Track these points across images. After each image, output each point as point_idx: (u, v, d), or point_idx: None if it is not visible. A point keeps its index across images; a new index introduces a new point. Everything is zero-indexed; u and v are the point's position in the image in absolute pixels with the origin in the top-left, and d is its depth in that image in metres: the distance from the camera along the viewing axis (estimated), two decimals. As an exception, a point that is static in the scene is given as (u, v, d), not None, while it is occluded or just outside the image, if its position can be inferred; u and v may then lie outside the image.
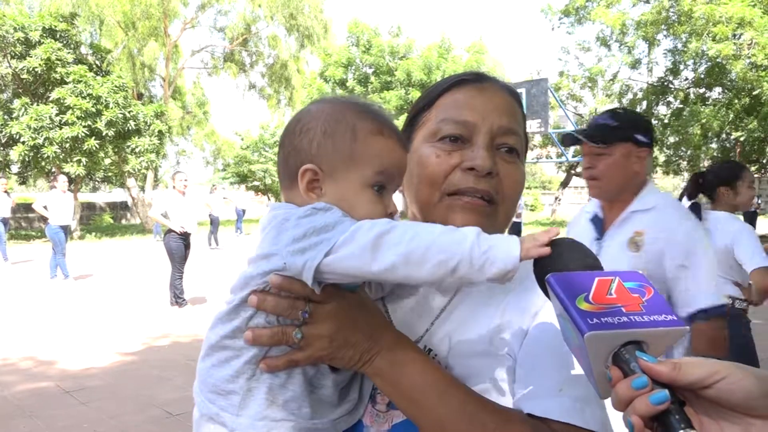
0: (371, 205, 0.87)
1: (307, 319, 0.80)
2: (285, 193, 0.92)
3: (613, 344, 0.62)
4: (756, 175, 27.60)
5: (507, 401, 0.84)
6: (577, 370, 0.78)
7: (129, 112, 19.67)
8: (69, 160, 18.64)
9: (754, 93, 16.80)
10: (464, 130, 0.93)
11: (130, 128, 19.81)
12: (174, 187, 8.58)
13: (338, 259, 0.75)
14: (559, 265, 0.70)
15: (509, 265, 0.70)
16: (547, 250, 0.70)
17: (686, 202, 3.79)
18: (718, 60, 17.43)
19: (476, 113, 0.93)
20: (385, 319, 0.87)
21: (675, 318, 0.63)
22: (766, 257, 3.29)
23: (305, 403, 0.83)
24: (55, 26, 19.38)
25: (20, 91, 19.60)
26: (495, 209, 0.92)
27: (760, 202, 24.16)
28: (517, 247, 0.70)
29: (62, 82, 18.82)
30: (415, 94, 25.29)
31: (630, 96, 22.68)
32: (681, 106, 21.00)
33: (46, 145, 17.99)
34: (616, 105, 23.56)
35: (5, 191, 14.94)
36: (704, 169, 3.84)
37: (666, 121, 21.56)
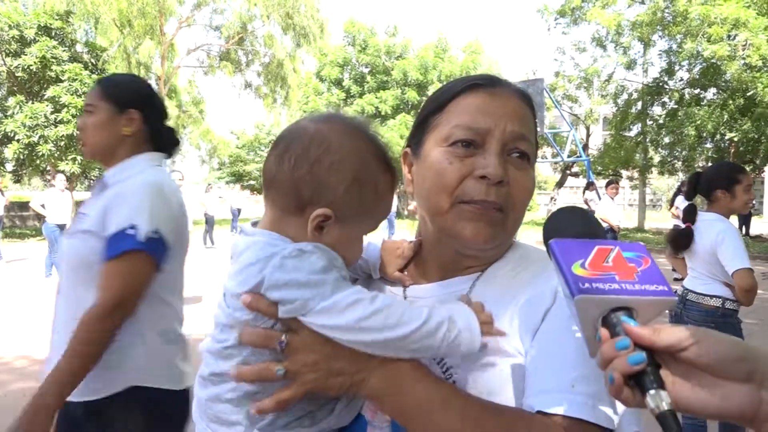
0: (359, 249, 0.95)
1: (284, 350, 0.80)
2: (276, 213, 0.90)
3: (603, 308, 0.66)
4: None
5: (516, 396, 0.85)
6: (589, 367, 0.78)
7: (124, 111, 19.60)
8: (64, 158, 18.58)
9: (749, 94, 16.87)
10: (477, 135, 0.93)
11: (125, 127, 19.75)
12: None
13: (315, 323, 0.78)
14: (564, 231, 0.75)
15: (474, 347, 0.81)
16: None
17: (682, 203, 3.82)
18: (712, 61, 17.51)
19: (489, 119, 0.93)
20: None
21: (666, 289, 0.67)
22: (746, 258, 3.30)
23: (311, 413, 0.85)
24: (50, 24, 19.29)
25: (15, 89, 19.51)
26: (505, 217, 0.93)
27: (754, 202, 24.27)
28: (478, 332, 0.81)
29: (57, 80, 18.74)
30: (412, 94, 25.30)
31: (625, 96, 22.76)
32: (676, 106, 21.07)
33: (41, 143, 17.92)
34: (611, 105, 23.66)
35: None
36: (700, 170, 3.84)
37: (661, 121, 21.64)
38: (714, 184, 3.51)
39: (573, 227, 0.76)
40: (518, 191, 0.93)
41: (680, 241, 3.64)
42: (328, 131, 0.89)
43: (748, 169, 20.12)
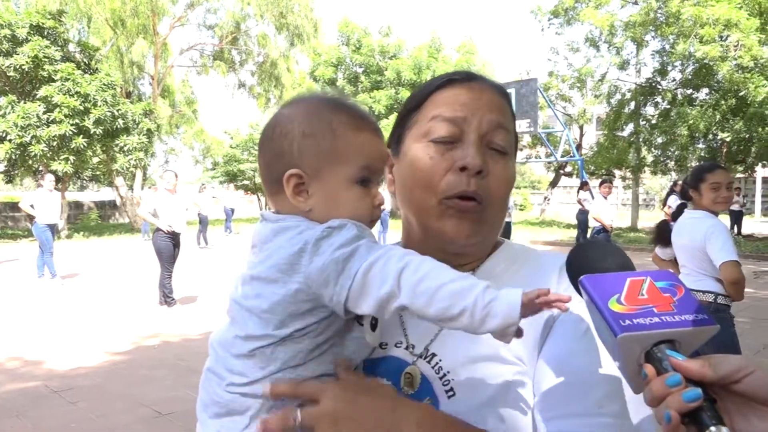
0: (358, 201, 0.88)
1: (300, 424, 0.79)
2: (272, 200, 0.91)
3: (646, 343, 0.64)
4: (742, 176, 27.93)
5: (515, 406, 0.83)
6: (609, 384, 0.79)
7: (117, 111, 19.54)
8: (56, 158, 18.49)
9: (740, 94, 16.96)
10: (454, 127, 0.92)
11: (118, 126, 19.69)
12: (165, 187, 8.55)
13: (355, 298, 0.78)
14: (592, 266, 0.72)
15: (510, 319, 0.71)
16: (545, 305, 0.71)
17: (675, 202, 3.90)
18: (705, 61, 17.59)
19: (466, 109, 0.92)
20: (399, 396, 0.82)
21: (706, 317, 0.65)
22: (733, 252, 3.39)
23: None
24: (43, 23, 19.19)
25: (7, 88, 19.40)
26: (483, 210, 0.91)
27: (745, 201, 24.43)
28: (518, 298, 0.71)
29: (50, 79, 18.65)
30: (405, 94, 25.31)
31: (618, 96, 22.84)
32: (668, 106, 21.16)
33: (33, 143, 17.83)
34: (604, 105, 23.75)
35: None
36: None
37: (654, 121, 21.74)
38: (688, 184, 3.71)
39: (600, 261, 0.73)
40: (497, 183, 0.92)
41: (666, 234, 3.80)
42: (280, 110, 0.93)
43: (739, 168, 20.25)
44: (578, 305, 0.85)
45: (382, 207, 0.92)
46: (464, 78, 0.97)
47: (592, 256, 0.75)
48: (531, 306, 0.71)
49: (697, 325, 0.64)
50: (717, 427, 0.56)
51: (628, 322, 0.63)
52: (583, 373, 0.81)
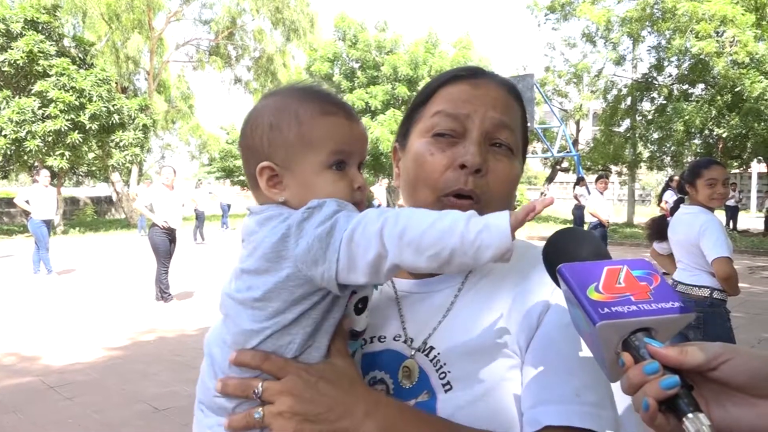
0: (332, 185, 0.86)
1: (261, 397, 0.80)
2: (254, 194, 0.92)
3: (624, 332, 0.64)
4: (737, 171, 28.00)
5: (511, 400, 0.83)
6: (590, 374, 0.79)
7: (113, 106, 19.47)
8: (52, 153, 18.42)
9: (736, 90, 17.00)
10: (457, 124, 0.92)
11: (114, 122, 19.62)
12: (163, 182, 8.52)
13: (345, 270, 0.76)
14: (569, 254, 0.72)
15: (503, 246, 0.69)
16: (533, 214, 0.69)
17: (671, 197, 3.93)
18: (700, 57, 17.63)
19: (470, 105, 0.92)
20: (357, 385, 0.82)
21: (682, 305, 0.65)
22: (726, 248, 3.41)
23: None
24: (37, 18, 19.10)
25: (2, 83, 19.30)
26: (482, 209, 0.88)
27: (741, 197, 24.50)
28: (506, 221, 0.69)
29: (45, 74, 18.57)
30: (402, 89, 25.25)
31: (614, 92, 22.86)
32: (665, 102, 21.18)
33: (28, 138, 17.77)
34: (600, 101, 23.77)
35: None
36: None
37: (650, 117, 21.77)
38: (684, 180, 3.74)
39: (577, 249, 0.73)
40: (496, 182, 0.91)
41: (662, 229, 3.83)
42: (254, 106, 0.94)
43: (735, 164, 20.31)
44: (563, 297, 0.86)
45: (363, 188, 0.91)
46: (469, 74, 0.98)
47: (568, 244, 0.75)
48: (521, 224, 0.69)
49: (674, 313, 0.65)
50: (694, 414, 0.57)
51: (606, 310, 0.64)
52: (563, 361, 0.82)
